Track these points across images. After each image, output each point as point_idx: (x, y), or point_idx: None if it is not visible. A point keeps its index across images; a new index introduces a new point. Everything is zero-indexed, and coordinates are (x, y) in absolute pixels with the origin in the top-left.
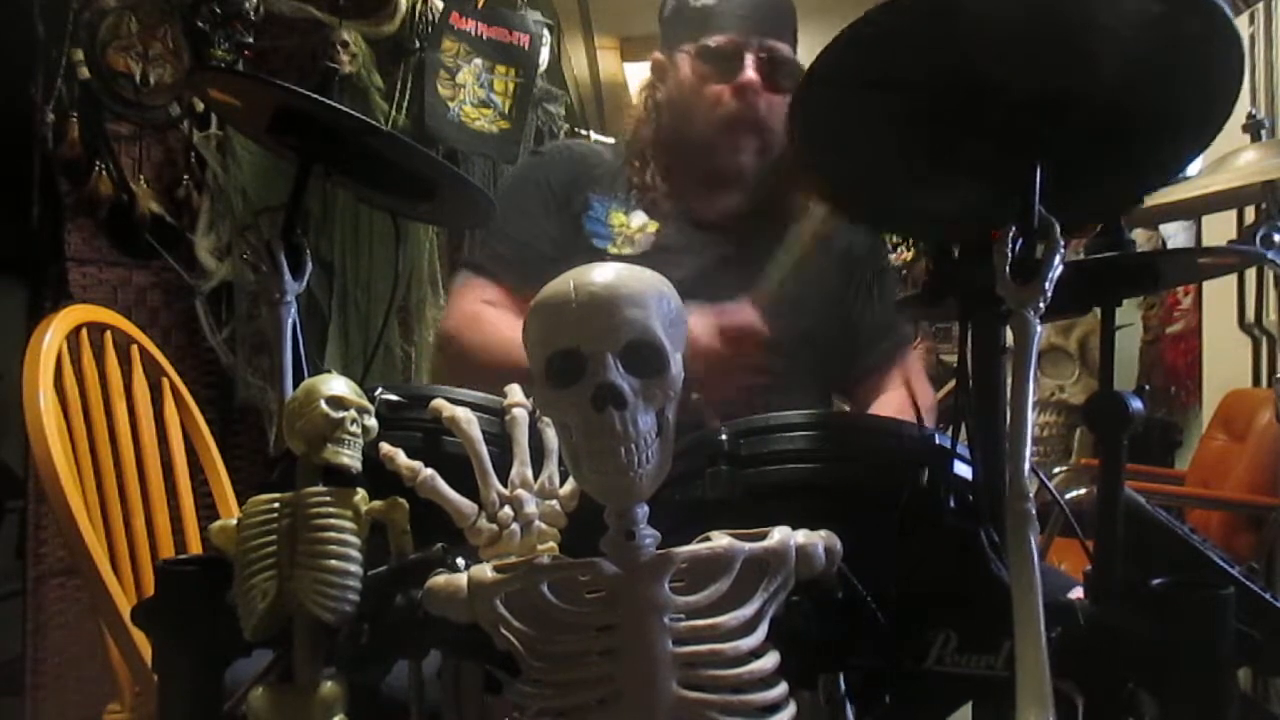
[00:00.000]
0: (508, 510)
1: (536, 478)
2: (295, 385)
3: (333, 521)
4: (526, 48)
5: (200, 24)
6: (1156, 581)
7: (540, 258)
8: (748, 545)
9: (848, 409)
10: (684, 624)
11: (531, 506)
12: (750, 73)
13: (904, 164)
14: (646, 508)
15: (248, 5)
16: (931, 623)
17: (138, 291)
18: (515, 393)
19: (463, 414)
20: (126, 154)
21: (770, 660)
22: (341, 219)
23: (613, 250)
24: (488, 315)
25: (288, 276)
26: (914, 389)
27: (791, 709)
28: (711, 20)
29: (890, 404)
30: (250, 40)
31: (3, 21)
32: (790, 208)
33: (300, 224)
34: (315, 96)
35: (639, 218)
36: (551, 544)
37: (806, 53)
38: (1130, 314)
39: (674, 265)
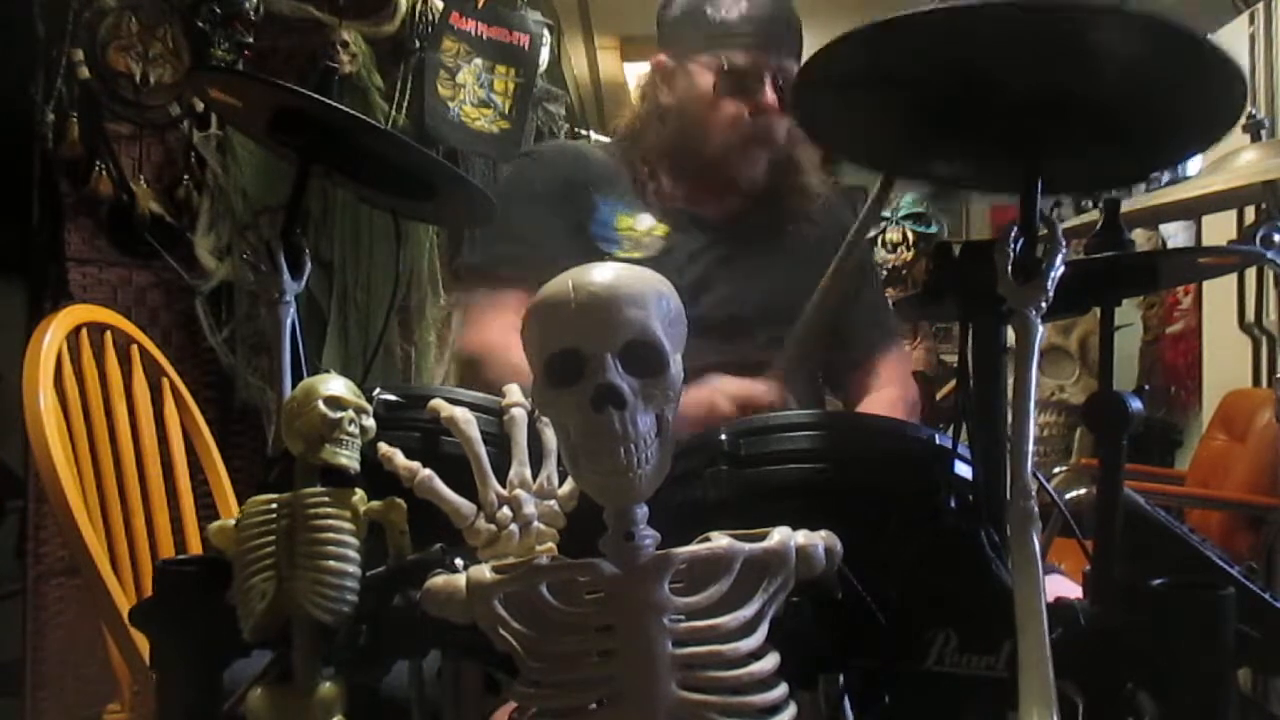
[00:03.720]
0: (506, 511)
1: (535, 478)
2: (294, 385)
3: (331, 522)
4: (526, 48)
5: (200, 24)
6: (1156, 582)
7: (553, 262)
8: (747, 546)
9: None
10: (684, 625)
11: (530, 507)
12: (770, 95)
13: (907, 151)
14: (646, 508)
15: (248, 5)
16: (931, 623)
17: (138, 291)
18: (514, 393)
19: (461, 414)
20: (126, 154)
21: (770, 661)
22: (341, 219)
23: (621, 255)
24: (516, 345)
25: (287, 276)
26: (899, 384)
27: (792, 710)
28: (733, 37)
29: (878, 403)
30: (250, 40)
31: (3, 21)
32: (788, 207)
33: (300, 224)
34: (315, 95)
35: (646, 220)
36: (550, 544)
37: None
38: (1130, 314)
39: (680, 268)
